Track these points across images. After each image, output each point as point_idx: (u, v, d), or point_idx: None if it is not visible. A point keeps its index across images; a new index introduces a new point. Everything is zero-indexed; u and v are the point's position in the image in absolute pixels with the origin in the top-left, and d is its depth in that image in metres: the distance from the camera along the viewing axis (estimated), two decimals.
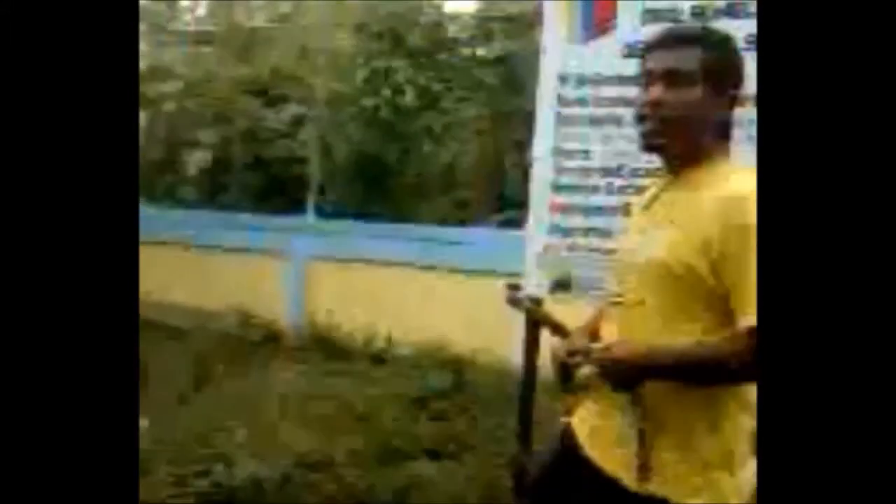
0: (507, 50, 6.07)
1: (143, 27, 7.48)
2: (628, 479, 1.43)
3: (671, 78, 1.44)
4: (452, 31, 6.35)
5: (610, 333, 1.54)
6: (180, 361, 4.49)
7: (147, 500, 2.59)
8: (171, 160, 7.71)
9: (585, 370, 1.53)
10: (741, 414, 1.42)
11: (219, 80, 6.94)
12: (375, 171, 6.58)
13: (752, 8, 2.06)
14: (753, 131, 1.89)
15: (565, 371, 1.56)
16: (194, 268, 6.13)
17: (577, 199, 2.36)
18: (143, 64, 7.11)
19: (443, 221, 6.16)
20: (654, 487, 1.41)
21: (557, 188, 2.40)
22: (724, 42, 1.49)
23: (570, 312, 1.82)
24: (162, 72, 7.54)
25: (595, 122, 2.33)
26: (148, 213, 6.01)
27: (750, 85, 1.86)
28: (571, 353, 1.54)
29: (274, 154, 6.68)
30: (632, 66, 1.87)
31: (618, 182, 2.29)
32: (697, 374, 1.39)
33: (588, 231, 2.34)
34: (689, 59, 1.44)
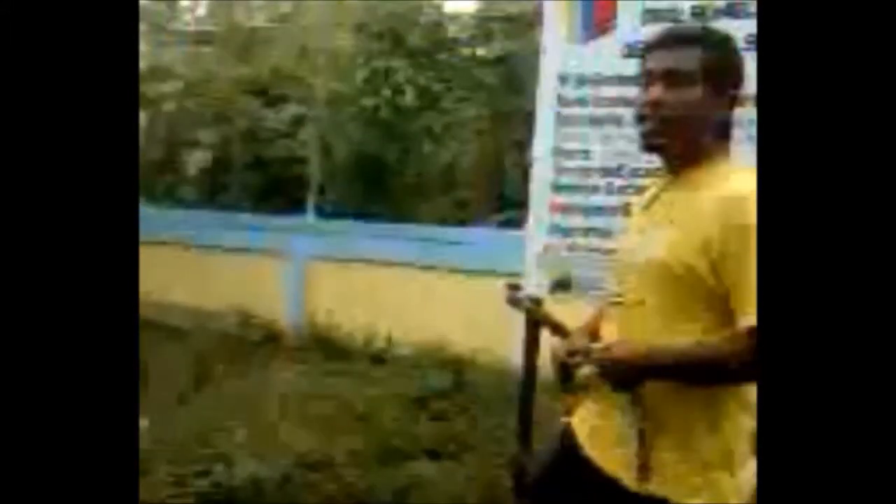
0: (507, 50, 6.07)
1: (143, 27, 7.48)
2: (628, 479, 1.44)
3: (671, 78, 1.44)
4: (452, 31, 6.35)
5: (610, 333, 1.54)
6: (180, 361, 4.49)
7: (147, 500, 2.59)
8: (171, 160, 7.71)
9: (585, 370, 1.53)
10: (741, 414, 1.42)
11: (219, 80, 6.95)
12: (375, 171, 6.59)
13: (752, 8, 2.06)
14: (753, 131, 1.90)
15: (565, 371, 1.56)
16: (194, 268, 6.13)
17: (577, 199, 2.36)
18: (143, 64, 7.11)
19: (443, 221, 6.17)
20: (653, 487, 1.41)
21: (557, 188, 2.40)
22: (724, 42, 1.49)
23: (570, 312, 1.82)
24: (162, 72, 7.54)
25: (595, 122, 2.34)
26: (148, 213, 6.01)
27: (750, 85, 1.87)
28: (571, 353, 1.54)
29: (274, 154, 6.68)
30: (632, 66, 1.87)
31: (618, 182, 2.29)
32: (697, 374, 1.39)
33: (588, 231, 2.34)
34: (689, 59, 1.44)
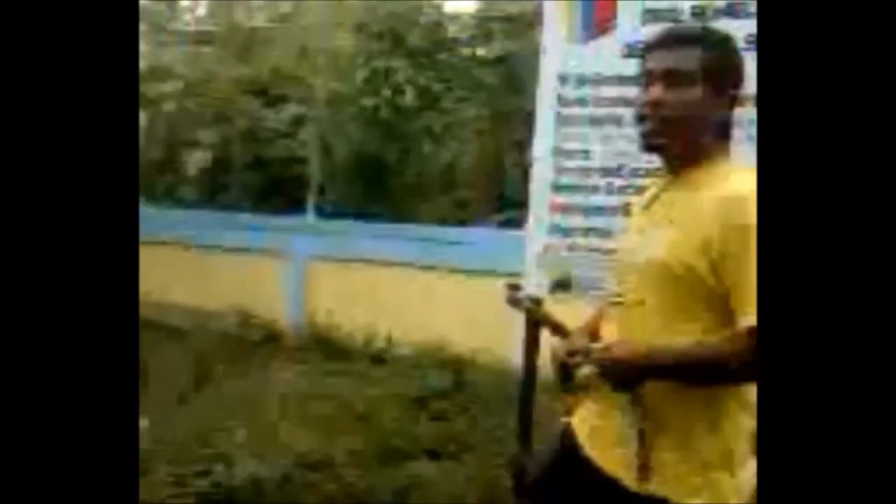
0: (507, 50, 6.07)
1: (143, 27, 7.47)
2: (628, 479, 1.44)
3: (671, 78, 1.44)
4: (452, 31, 6.35)
5: (610, 333, 1.54)
6: (180, 361, 4.49)
7: (147, 500, 2.59)
8: (172, 160, 7.71)
9: (585, 370, 1.53)
10: (741, 414, 1.42)
11: (219, 80, 6.95)
12: (375, 171, 6.59)
13: (753, 8, 2.06)
14: (754, 131, 1.90)
15: (565, 371, 1.56)
16: (194, 268, 6.13)
17: (578, 199, 2.37)
18: (143, 64, 7.11)
19: (443, 221, 6.17)
20: (653, 487, 1.41)
21: (557, 188, 2.40)
22: (724, 42, 1.49)
23: (571, 312, 1.82)
24: (162, 72, 7.53)
25: (595, 122, 2.34)
26: (148, 213, 6.01)
27: (750, 85, 1.87)
28: (571, 353, 1.54)
29: (274, 154, 6.68)
30: (632, 66, 1.87)
31: (618, 182, 2.29)
32: (697, 374, 1.39)
33: (588, 231, 2.34)
34: (688, 59, 1.44)
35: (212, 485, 2.82)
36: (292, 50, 6.67)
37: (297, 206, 6.70)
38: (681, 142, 1.46)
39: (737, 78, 1.47)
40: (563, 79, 2.38)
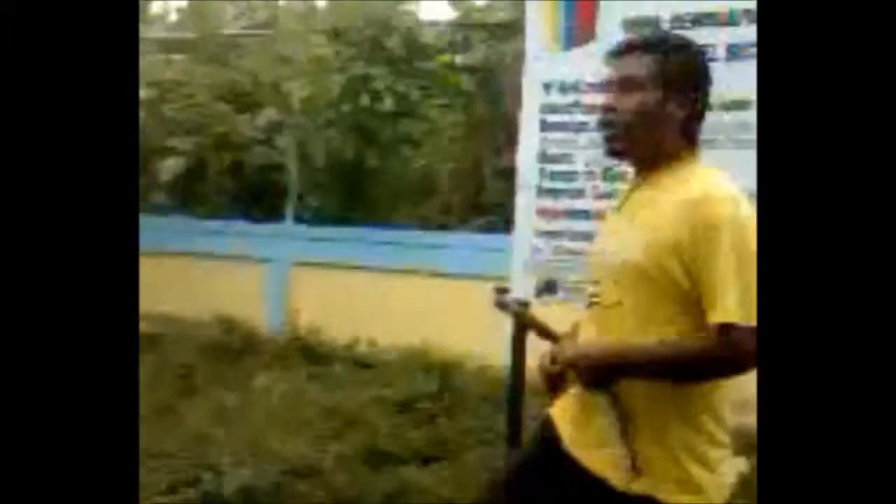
0: (486, 57, 6.10)
1: None
2: (615, 478, 1.45)
3: (624, 85, 1.49)
4: (430, 37, 6.36)
5: (588, 334, 1.56)
6: (162, 370, 4.45)
7: None
8: (146, 167, 7.62)
9: (574, 390, 1.56)
10: (723, 411, 1.45)
11: (194, 86, 6.88)
12: (354, 177, 6.57)
13: (735, 17, 2.10)
14: (740, 136, 1.96)
15: (552, 382, 1.58)
16: (174, 275, 6.07)
17: (563, 203, 2.40)
18: None
19: (423, 226, 6.17)
20: (638, 486, 1.43)
21: (543, 193, 2.43)
22: (681, 48, 1.52)
23: (562, 316, 1.85)
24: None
25: (579, 127, 2.38)
26: None
27: (729, 92, 1.92)
28: (554, 360, 1.56)
29: (252, 161, 6.63)
30: None
31: (602, 186, 2.34)
32: (668, 372, 1.41)
33: (574, 235, 2.38)
34: (642, 65, 1.48)
35: (201, 494, 2.80)
36: (269, 57, 6.63)
37: (275, 213, 6.66)
38: (641, 146, 1.50)
39: (695, 82, 1.50)
40: (546, 86, 2.43)
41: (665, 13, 2.23)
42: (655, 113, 1.47)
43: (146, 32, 8.27)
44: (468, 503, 2.88)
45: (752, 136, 1.89)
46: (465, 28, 6.46)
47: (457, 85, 6.39)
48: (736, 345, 1.33)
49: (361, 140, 6.20)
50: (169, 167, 6.66)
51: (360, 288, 5.48)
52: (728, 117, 1.99)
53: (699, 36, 2.07)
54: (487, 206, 5.94)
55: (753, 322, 1.28)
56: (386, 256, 5.51)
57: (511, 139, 2.52)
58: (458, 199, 6.36)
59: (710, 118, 1.57)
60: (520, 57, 2.58)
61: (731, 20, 2.09)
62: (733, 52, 2.05)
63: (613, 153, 1.56)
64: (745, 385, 1.36)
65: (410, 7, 6.77)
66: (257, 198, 6.89)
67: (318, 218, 6.40)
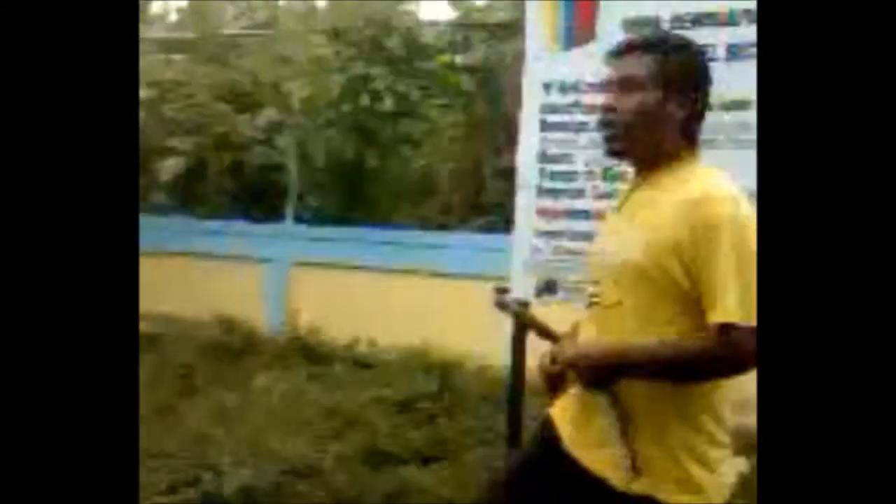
0: (486, 57, 6.10)
1: None
2: (616, 478, 1.45)
3: (624, 85, 1.49)
4: (430, 37, 6.36)
5: (588, 334, 1.56)
6: (162, 370, 4.45)
7: None
8: (147, 166, 7.62)
9: (574, 390, 1.56)
10: (723, 411, 1.45)
11: (194, 86, 6.89)
12: (354, 177, 6.57)
13: (735, 17, 2.11)
14: (740, 136, 1.96)
15: (553, 383, 1.58)
16: (174, 275, 6.08)
17: (563, 203, 2.41)
18: None
19: (423, 226, 6.17)
20: (638, 486, 1.43)
21: (543, 192, 2.43)
22: (679, 48, 1.52)
23: (562, 316, 1.85)
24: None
25: (579, 127, 2.38)
26: None
27: (729, 92, 1.92)
28: (554, 360, 1.56)
29: (253, 161, 6.64)
30: None
31: (602, 186, 2.34)
32: (668, 371, 1.41)
33: (574, 235, 2.38)
34: (640, 65, 1.48)
35: (201, 494, 2.80)
36: (269, 57, 6.63)
37: (275, 213, 6.66)
38: (641, 146, 1.50)
39: (693, 82, 1.50)
40: (546, 86, 2.43)
41: (665, 13, 2.23)
42: (655, 113, 1.47)
43: (146, 32, 8.28)
44: (468, 503, 2.88)
45: (752, 136, 1.90)
46: (465, 28, 6.46)
47: (457, 85, 6.39)
48: (736, 345, 1.33)
49: (361, 140, 6.20)
50: (169, 167, 6.67)
51: (360, 288, 5.48)
52: (728, 117, 2.00)
53: (699, 36, 2.09)
54: (487, 206, 5.94)
55: (753, 322, 1.28)
56: (386, 256, 5.51)
57: (511, 139, 2.52)
58: (458, 199, 6.36)
59: (710, 118, 1.57)
60: (520, 57, 2.58)
61: (731, 20, 2.09)
62: (733, 52, 2.05)
63: (613, 153, 1.56)
64: (745, 385, 1.36)
65: (410, 7, 6.78)
66: (257, 198, 6.90)
67: (318, 218, 6.40)
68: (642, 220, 1.46)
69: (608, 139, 1.53)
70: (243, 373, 4.63)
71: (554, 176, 2.41)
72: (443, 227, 6.10)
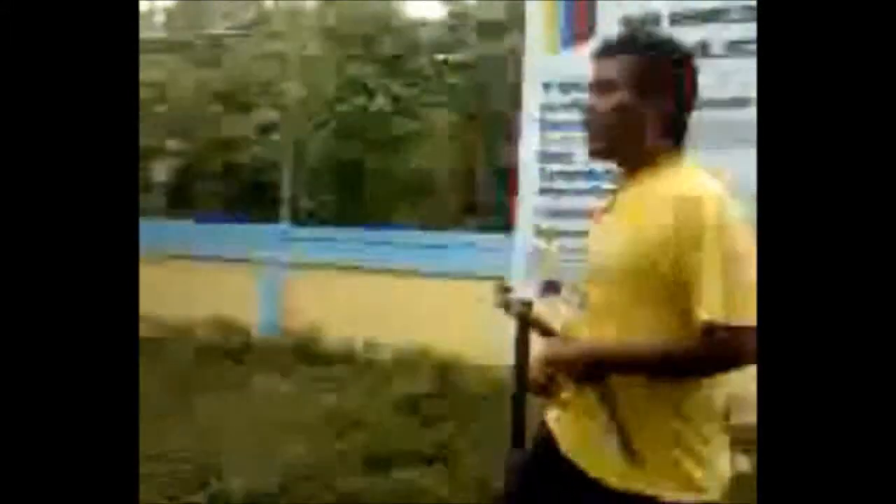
0: (478, 55, 6.11)
1: None
2: (613, 477, 1.43)
3: (601, 86, 1.48)
4: (424, 36, 6.37)
5: (579, 334, 1.56)
6: (161, 374, 4.44)
7: None
8: (141, 169, 7.60)
9: (566, 394, 1.55)
10: (721, 410, 1.45)
11: (189, 87, 6.88)
12: (349, 178, 6.58)
13: (733, 14, 2.10)
14: (740, 134, 1.96)
15: (545, 384, 1.58)
16: (170, 279, 6.06)
17: (564, 202, 2.40)
18: None
19: (420, 226, 6.18)
20: (635, 485, 1.42)
21: (543, 192, 2.43)
22: (650, 47, 1.50)
23: (565, 316, 1.84)
24: None
25: (579, 126, 2.37)
26: None
27: (729, 89, 1.92)
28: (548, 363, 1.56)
29: (248, 162, 6.63)
30: None
31: (603, 185, 2.33)
32: (656, 368, 1.40)
33: (574, 235, 2.38)
34: (611, 66, 1.47)
35: (204, 497, 2.79)
36: (263, 57, 6.63)
37: (270, 214, 6.66)
38: (620, 146, 1.49)
39: (674, 81, 1.48)
40: (546, 85, 2.42)
41: (665, 12, 2.23)
42: (631, 113, 1.46)
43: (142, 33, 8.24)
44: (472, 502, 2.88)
45: (752, 135, 1.89)
46: (459, 27, 6.47)
47: (451, 84, 6.40)
48: (719, 344, 1.32)
49: (356, 140, 6.21)
50: (167, 170, 6.67)
51: (360, 288, 5.48)
52: (728, 116, 1.99)
53: (698, 33, 2.11)
54: (483, 205, 5.95)
55: (738, 321, 1.28)
56: (382, 256, 5.51)
57: (510, 139, 2.51)
58: (454, 198, 6.37)
59: (710, 117, 1.56)
60: (517, 56, 2.57)
61: (730, 17, 2.09)
62: (733, 48, 2.05)
63: (593, 153, 1.55)
64: (745, 384, 1.36)
65: (403, 6, 6.78)
66: (254, 199, 6.90)
67: (313, 219, 6.41)
68: (629, 220, 1.46)
69: (588, 140, 1.53)
70: (242, 375, 4.62)
71: (554, 176, 2.41)
72: (439, 226, 6.11)
